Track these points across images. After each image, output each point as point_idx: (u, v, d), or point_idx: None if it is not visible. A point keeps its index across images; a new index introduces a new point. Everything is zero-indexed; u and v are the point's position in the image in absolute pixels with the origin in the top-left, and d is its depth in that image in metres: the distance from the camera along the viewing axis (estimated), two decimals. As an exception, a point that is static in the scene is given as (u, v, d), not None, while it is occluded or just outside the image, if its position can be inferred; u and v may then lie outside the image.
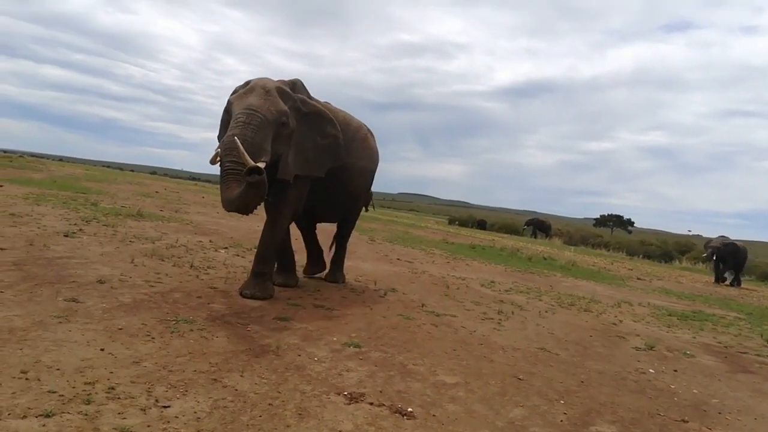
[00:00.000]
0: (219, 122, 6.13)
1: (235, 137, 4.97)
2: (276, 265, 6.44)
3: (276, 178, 5.65)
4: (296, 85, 6.13)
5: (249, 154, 4.90)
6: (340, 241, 7.84)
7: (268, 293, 5.88)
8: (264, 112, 5.32)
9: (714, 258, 18.85)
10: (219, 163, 5.18)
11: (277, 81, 5.92)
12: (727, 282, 19.12)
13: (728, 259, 18.81)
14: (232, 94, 5.81)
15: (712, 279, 19.13)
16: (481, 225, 42.52)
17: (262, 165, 4.97)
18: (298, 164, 5.96)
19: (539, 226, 39.04)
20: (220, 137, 5.95)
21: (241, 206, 5.07)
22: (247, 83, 5.78)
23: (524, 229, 39.78)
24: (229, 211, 5.25)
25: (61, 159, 67.54)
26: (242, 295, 5.74)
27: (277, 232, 6.07)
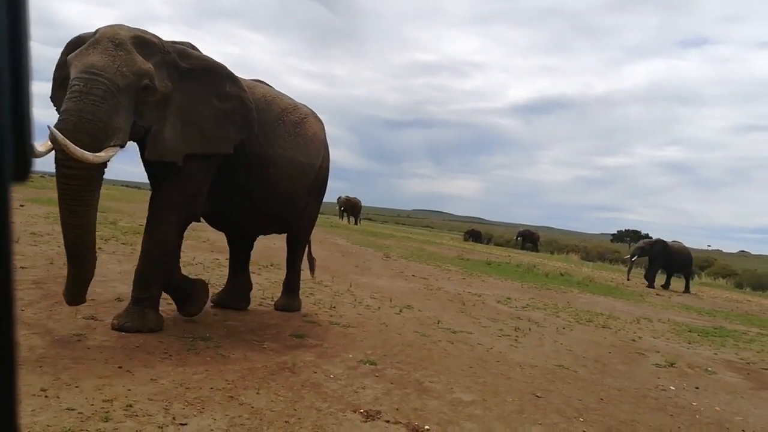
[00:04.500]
0: None
1: (59, 121, 3.61)
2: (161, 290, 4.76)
3: (148, 161, 4.46)
4: (185, 44, 4.72)
5: (90, 136, 3.68)
6: (289, 262, 6.40)
7: (146, 325, 4.45)
8: (111, 75, 3.82)
9: (634, 258, 18.42)
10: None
11: (138, 30, 4.24)
12: (662, 284, 18.02)
13: (658, 257, 17.75)
14: (67, 48, 4.29)
15: (725, 293, 18.39)
16: (475, 237, 42.89)
17: (111, 152, 3.82)
18: (189, 140, 4.46)
19: (528, 237, 41.89)
20: (53, 98, 4.47)
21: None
22: (95, 33, 4.08)
23: (516, 239, 42.48)
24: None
25: (80, 179, 68.30)
26: (112, 327, 4.40)
27: (161, 240, 4.59)
